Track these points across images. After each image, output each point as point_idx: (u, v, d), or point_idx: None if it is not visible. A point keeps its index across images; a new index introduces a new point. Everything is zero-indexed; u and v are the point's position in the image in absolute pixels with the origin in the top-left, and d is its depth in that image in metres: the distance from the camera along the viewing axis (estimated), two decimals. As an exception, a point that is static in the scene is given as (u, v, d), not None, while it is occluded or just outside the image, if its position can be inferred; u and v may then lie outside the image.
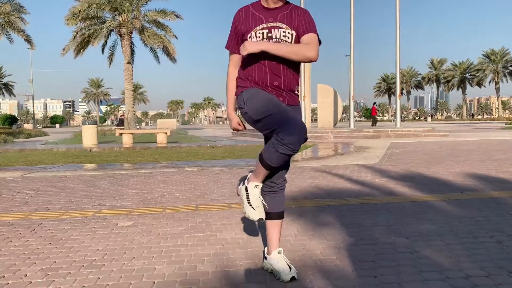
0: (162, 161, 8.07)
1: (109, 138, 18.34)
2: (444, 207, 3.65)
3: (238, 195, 2.22)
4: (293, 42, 2.07)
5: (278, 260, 2.15)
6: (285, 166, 2.18)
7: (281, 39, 2.05)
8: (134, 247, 2.66)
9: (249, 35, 2.08)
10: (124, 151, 10.85)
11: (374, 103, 31.81)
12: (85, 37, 24.47)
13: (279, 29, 2.05)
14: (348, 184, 4.95)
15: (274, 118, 1.96)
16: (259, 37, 2.06)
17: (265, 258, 2.24)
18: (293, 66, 2.11)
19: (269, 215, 2.20)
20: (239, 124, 2.22)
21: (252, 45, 1.95)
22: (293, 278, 2.08)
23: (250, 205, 2.10)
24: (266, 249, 2.26)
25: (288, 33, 2.06)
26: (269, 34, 2.05)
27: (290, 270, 2.09)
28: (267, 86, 2.08)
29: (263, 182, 2.18)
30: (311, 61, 2.03)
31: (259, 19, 2.09)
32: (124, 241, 2.79)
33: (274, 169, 2.11)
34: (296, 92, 2.16)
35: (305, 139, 1.98)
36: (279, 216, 2.21)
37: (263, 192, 2.19)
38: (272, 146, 1.99)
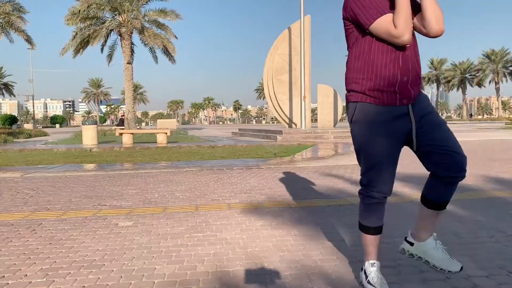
0: (162, 161, 8.07)
1: (109, 138, 18.33)
2: (444, 207, 3.64)
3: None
4: None
5: (437, 247, 2.01)
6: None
7: None
8: (134, 247, 2.66)
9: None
10: (124, 151, 10.85)
11: None
12: (85, 37, 24.46)
13: None
14: (348, 184, 4.95)
15: (365, 159, 1.93)
16: None
17: (411, 243, 2.06)
18: (417, 49, 1.88)
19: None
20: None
21: None
22: (461, 268, 1.96)
23: (370, 283, 1.94)
24: (411, 233, 2.08)
25: None
26: None
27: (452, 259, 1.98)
28: (395, 85, 1.82)
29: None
30: (441, 33, 1.80)
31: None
32: (124, 241, 2.79)
33: (378, 230, 1.98)
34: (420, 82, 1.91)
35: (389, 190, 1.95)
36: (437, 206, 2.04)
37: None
38: (360, 201, 2.00)
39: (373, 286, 1.92)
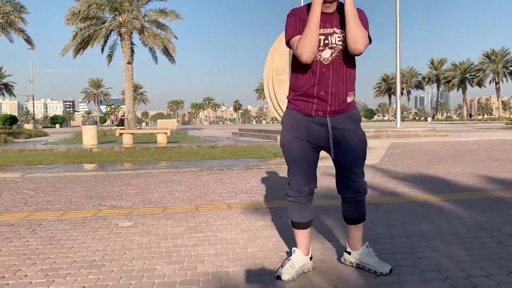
0: (162, 161, 8.07)
1: (109, 138, 18.33)
2: (444, 207, 3.64)
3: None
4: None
5: (369, 255, 2.20)
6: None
7: (336, 44, 2.01)
8: (134, 248, 2.66)
9: None
10: (124, 151, 10.85)
11: None
12: (85, 37, 24.46)
13: (334, 35, 2.01)
14: (348, 184, 4.94)
15: (285, 158, 2.15)
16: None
17: (349, 253, 2.27)
18: (346, 69, 2.04)
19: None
20: None
21: None
22: (391, 270, 2.15)
23: (281, 266, 2.18)
24: (348, 244, 2.31)
25: (343, 36, 2.01)
26: (326, 41, 2.02)
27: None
28: (310, 98, 2.04)
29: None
30: (357, 52, 1.96)
31: None
32: (124, 242, 2.79)
33: (299, 226, 2.20)
34: (348, 98, 2.07)
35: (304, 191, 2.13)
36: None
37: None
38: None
39: (280, 270, 2.14)
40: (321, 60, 2.02)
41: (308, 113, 2.07)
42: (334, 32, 2.01)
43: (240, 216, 3.44)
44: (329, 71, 2.01)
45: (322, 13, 2.01)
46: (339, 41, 2.01)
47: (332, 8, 2.02)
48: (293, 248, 2.21)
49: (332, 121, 2.06)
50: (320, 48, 2.01)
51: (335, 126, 2.07)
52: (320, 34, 1.99)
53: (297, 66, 2.09)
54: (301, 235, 2.22)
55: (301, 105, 2.08)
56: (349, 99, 2.07)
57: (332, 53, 2.01)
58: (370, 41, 2.01)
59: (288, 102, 2.16)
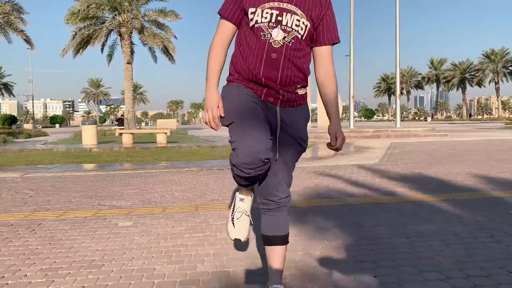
0: (162, 161, 8.06)
1: (109, 138, 18.33)
2: (444, 207, 3.64)
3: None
4: (304, 36, 1.62)
5: None
6: (278, 177, 1.78)
7: (292, 29, 1.59)
8: (134, 247, 2.66)
9: (253, 10, 1.59)
10: (124, 151, 10.84)
11: None
12: (85, 37, 24.44)
13: (293, 15, 1.58)
14: (348, 184, 4.95)
15: (232, 129, 1.63)
16: (266, 17, 1.57)
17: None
18: (299, 60, 1.65)
19: (266, 239, 1.80)
20: (216, 117, 1.66)
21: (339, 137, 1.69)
22: None
23: (232, 220, 1.86)
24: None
25: (303, 23, 1.59)
26: (279, 18, 1.58)
27: None
28: (256, 79, 1.65)
29: (257, 197, 1.82)
30: None
31: None
32: (124, 241, 2.79)
33: (246, 185, 1.77)
34: (298, 91, 1.71)
35: (256, 166, 1.55)
36: (277, 241, 1.77)
37: (261, 211, 1.83)
38: None
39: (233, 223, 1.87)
40: (270, 41, 1.60)
41: (258, 95, 1.68)
42: (294, 12, 1.58)
43: (240, 216, 3.43)
44: (279, 58, 1.61)
45: None
46: (296, 26, 1.59)
47: None
48: (240, 196, 1.88)
49: (281, 112, 1.70)
50: (270, 23, 1.58)
51: (284, 119, 1.71)
52: (273, 8, 1.57)
53: (244, 45, 1.67)
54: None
55: (248, 85, 1.69)
56: (300, 92, 1.72)
57: (285, 37, 1.59)
58: (338, 41, 1.72)
59: (228, 79, 1.76)
